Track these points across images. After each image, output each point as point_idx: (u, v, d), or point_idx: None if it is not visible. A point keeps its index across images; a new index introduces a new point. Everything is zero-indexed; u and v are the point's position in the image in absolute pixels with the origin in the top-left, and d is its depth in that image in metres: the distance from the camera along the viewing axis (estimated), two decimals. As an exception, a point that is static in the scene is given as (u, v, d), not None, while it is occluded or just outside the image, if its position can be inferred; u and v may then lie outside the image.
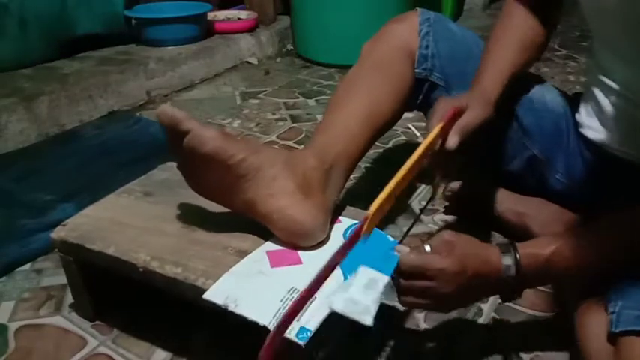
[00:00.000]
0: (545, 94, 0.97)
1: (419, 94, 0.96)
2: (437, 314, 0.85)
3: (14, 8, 1.54)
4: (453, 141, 0.75)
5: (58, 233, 0.79)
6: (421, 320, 0.85)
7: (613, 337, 0.62)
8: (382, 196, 0.61)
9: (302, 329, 0.60)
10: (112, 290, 0.85)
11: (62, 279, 0.87)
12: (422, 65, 0.94)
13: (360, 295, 0.59)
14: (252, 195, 0.71)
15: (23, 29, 1.58)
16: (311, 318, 0.61)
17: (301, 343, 0.59)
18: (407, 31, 0.94)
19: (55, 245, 0.80)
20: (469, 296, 0.68)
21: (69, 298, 0.89)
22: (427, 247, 0.64)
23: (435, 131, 0.73)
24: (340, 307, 0.58)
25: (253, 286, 0.67)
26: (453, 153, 0.75)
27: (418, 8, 0.98)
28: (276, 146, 1.46)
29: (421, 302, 0.65)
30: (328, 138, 0.82)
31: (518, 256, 0.65)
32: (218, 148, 0.68)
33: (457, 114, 0.77)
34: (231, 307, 0.64)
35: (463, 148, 0.76)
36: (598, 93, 0.84)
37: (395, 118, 0.93)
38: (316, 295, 0.61)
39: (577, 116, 0.92)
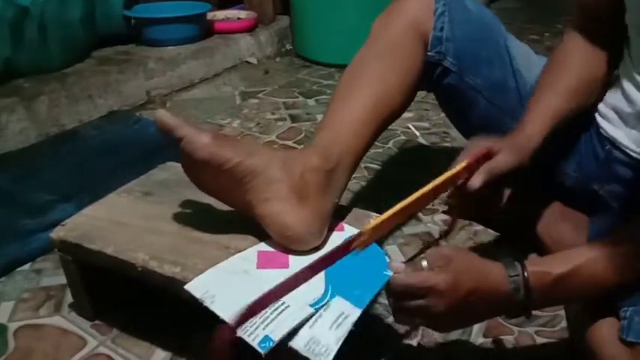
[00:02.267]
0: None
1: (430, 78, 0.91)
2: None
3: (35, 13, 1.51)
4: (476, 180, 0.73)
5: (57, 233, 0.79)
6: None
7: (626, 341, 0.62)
8: (383, 216, 0.59)
9: (266, 338, 0.57)
10: (112, 290, 0.85)
11: (62, 279, 0.87)
12: (435, 48, 0.88)
13: (323, 334, 0.57)
14: (250, 197, 0.71)
15: (43, 35, 1.55)
16: (277, 327, 0.58)
17: (262, 352, 0.56)
18: (420, 8, 0.87)
19: (54, 245, 0.79)
20: (467, 315, 0.63)
21: (68, 298, 0.89)
22: (424, 264, 0.61)
23: (459, 167, 0.72)
24: (301, 346, 0.56)
25: (234, 285, 0.66)
26: (474, 192, 0.73)
27: None
28: (275, 146, 1.46)
29: (415, 321, 0.63)
30: (333, 134, 0.79)
31: (526, 274, 0.60)
32: (212, 154, 0.67)
33: (488, 155, 0.75)
34: (207, 303, 0.63)
35: (485, 191, 0.74)
36: (630, 88, 0.79)
37: (403, 107, 0.88)
38: (289, 303, 0.59)
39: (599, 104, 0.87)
